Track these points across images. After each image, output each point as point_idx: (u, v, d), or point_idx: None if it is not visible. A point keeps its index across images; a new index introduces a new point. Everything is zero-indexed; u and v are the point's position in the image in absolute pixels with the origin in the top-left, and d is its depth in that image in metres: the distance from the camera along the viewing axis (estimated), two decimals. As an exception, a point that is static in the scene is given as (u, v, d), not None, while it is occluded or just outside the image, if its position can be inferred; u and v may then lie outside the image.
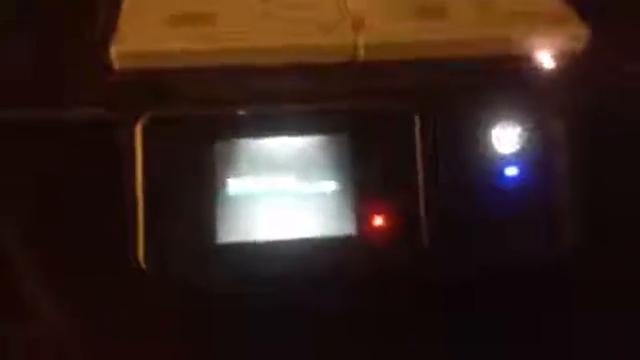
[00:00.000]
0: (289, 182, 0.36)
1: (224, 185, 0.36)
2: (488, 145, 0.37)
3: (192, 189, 0.36)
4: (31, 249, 0.38)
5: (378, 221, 0.36)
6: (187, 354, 0.39)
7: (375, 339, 0.38)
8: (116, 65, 0.38)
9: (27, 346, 0.42)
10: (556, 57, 0.39)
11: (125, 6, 0.41)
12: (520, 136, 0.37)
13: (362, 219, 0.36)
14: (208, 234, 0.35)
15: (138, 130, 0.35)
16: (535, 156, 0.37)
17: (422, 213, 0.36)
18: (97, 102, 0.36)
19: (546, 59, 0.39)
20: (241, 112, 0.36)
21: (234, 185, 0.36)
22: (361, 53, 0.39)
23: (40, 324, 0.40)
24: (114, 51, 0.38)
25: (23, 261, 0.38)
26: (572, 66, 0.38)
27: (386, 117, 0.36)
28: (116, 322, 0.39)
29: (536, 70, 0.39)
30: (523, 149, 0.37)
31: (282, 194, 0.36)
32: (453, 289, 0.37)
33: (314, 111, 0.36)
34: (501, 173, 0.37)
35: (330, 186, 0.36)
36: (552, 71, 0.38)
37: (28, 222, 0.37)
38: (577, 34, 0.40)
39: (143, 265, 0.35)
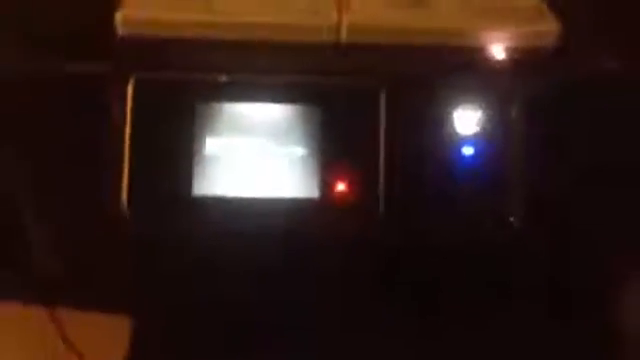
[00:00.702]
0: (262, 145, 0.40)
1: (202, 144, 0.39)
2: (448, 125, 0.39)
3: (174, 146, 0.39)
4: (27, 194, 0.42)
5: (340, 187, 0.39)
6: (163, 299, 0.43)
7: (331, 294, 0.42)
8: (119, 30, 0.41)
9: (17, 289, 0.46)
10: (525, 50, 0.41)
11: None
12: (479, 119, 0.40)
13: (326, 184, 0.39)
14: (185, 187, 0.39)
15: (129, 89, 0.39)
16: (491, 138, 0.39)
17: (381, 182, 0.39)
18: (97, 60, 0.40)
19: (515, 52, 0.41)
20: (222, 79, 0.39)
21: (212, 144, 0.39)
22: (343, 34, 0.42)
23: (30, 268, 0.44)
24: (119, 17, 0.41)
25: (19, 205, 0.42)
26: (538, 59, 0.41)
27: (355, 92, 0.40)
28: (102, 265, 0.43)
29: (503, 61, 0.41)
30: (481, 131, 0.39)
31: (254, 156, 0.40)
32: (404, 256, 0.40)
33: (290, 83, 0.40)
34: (458, 151, 0.40)
35: (299, 152, 0.40)
36: (518, 62, 0.41)
37: (23, 168, 0.41)
38: (549, 30, 0.42)
39: (126, 211, 0.39)
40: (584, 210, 0.40)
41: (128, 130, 0.39)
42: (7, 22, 0.42)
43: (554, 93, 0.40)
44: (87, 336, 0.52)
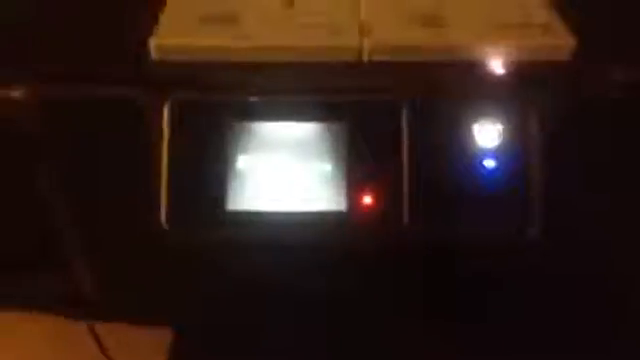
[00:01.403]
0: (291, 161, 0.42)
1: (235, 161, 0.42)
2: (469, 138, 0.41)
3: (209, 163, 0.42)
4: (69, 211, 0.44)
5: (366, 199, 0.41)
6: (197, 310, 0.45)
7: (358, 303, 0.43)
8: (153, 55, 0.44)
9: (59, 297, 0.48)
10: (541, 64, 0.43)
11: (166, 5, 0.47)
12: (499, 132, 0.41)
13: (353, 197, 0.41)
14: (220, 202, 0.41)
15: (166, 110, 0.42)
16: (511, 151, 0.41)
17: (405, 194, 0.41)
18: (135, 85, 0.43)
19: (531, 66, 0.43)
20: (253, 99, 0.42)
21: (244, 161, 0.42)
22: (365, 54, 0.44)
23: (70, 282, 0.46)
24: (152, 43, 0.44)
25: (61, 221, 0.45)
26: (554, 72, 0.43)
27: (378, 109, 0.42)
28: (142, 278, 0.45)
29: (520, 75, 0.43)
30: (500, 143, 0.41)
31: (285, 172, 0.42)
32: (428, 264, 0.42)
33: (316, 101, 0.42)
34: (478, 163, 0.41)
35: (327, 167, 0.42)
36: (535, 76, 0.43)
37: (66, 186, 0.43)
38: (564, 44, 0.44)
39: (165, 225, 0.41)
40: (602, 220, 0.41)
41: (165, 149, 0.41)
42: (47, 49, 0.45)
43: (573, 106, 0.41)
44: (126, 349, 0.54)
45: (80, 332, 0.57)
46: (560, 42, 0.44)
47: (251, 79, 0.43)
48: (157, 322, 0.49)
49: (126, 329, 0.53)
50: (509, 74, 0.43)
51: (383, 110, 0.42)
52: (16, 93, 0.42)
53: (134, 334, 0.53)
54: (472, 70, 0.43)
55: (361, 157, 0.41)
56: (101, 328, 0.57)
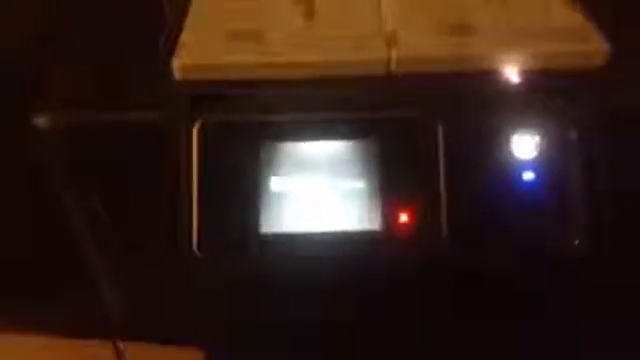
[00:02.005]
0: (324, 181, 0.41)
1: (268, 182, 0.41)
2: (505, 150, 0.40)
3: (240, 185, 0.41)
4: (98, 238, 0.43)
5: (403, 218, 0.40)
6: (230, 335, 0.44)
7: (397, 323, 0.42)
8: (176, 75, 0.43)
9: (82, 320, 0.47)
10: (576, 72, 0.42)
11: (187, 24, 0.46)
12: (538, 143, 0.40)
13: (388, 216, 0.40)
14: (253, 225, 0.40)
15: (195, 132, 0.41)
16: (548, 162, 0.40)
17: (443, 211, 0.40)
18: (161, 108, 0.42)
19: (566, 74, 0.42)
20: (284, 119, 0.41)
21: (276, 183, 0.41)
22: (392, 66, 0.43)
23: (99, 305, 0.45)
24: (175, 63, 0.43)
25: (90, 249, 0.44)
26: (590, 80, 0.41)
27: (411, 124, 0.41)
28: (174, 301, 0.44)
29: (555, 84, 0.42)
30: (538, 155, 0.40)
31: (318, 192, 0.41)
32: (467, 281, 0.41)
33: (348, 118, 0.41)
34: (517, 175, 0.40)
35: (360, 185, 0.41)
36: (570, 85, 0.42)
37: (95, 213, 0.42)
38: (598, 50, 0.43)
39: (197, 251, 0.41)
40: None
41: (196, 172, 0.40)
42: (69, 75, 0.44)
43: (608, 111, 0.40)
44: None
45: (106, 354, 0.57)
46: (594, 48, 0.43)
47: (280, 98, 0.42)
48: (189, 344, 0.48)
49: (153, 351, 0.52)
50: (542, 82, 0.41)
51: (416, 124, 0.41)
52: (40, 120, 0.41)
53: (161, 356, 0.52)
54: (503, 80, 0.42)
55: (395, 174, 0.40)
56: (128, 350, 0.56)
